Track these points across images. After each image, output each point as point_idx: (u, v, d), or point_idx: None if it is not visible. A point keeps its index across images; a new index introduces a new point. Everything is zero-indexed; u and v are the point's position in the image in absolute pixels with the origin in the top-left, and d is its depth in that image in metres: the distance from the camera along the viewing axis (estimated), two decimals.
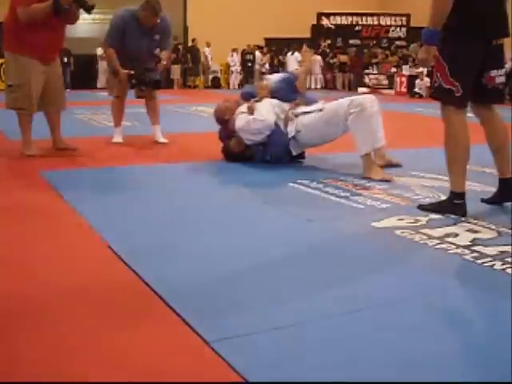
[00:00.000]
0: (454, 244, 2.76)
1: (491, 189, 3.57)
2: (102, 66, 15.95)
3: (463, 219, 3.16)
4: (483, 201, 3.48)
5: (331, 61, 19.64)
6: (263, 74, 17.28)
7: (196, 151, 5.56)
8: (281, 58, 20.09)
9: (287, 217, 3.28)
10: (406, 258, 2.66)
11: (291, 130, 4.62)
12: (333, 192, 3.81)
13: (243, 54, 20.01)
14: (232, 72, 20.13)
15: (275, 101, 4.76)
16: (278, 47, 20.34)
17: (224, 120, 4.95)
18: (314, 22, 21.32)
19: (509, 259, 2.54)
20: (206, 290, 2.23)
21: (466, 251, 2.66)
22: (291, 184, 4.04)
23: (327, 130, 4.52)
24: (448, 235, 2.89)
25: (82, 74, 17.27)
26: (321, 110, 4.58)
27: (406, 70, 17.02)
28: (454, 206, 3.25)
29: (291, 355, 1.73)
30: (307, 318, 1.97)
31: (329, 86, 19.53)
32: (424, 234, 2.92)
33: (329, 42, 20.45)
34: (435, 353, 1.76)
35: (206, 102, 11.67)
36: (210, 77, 20.44)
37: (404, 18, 21.40)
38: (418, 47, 16.34)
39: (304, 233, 3.00)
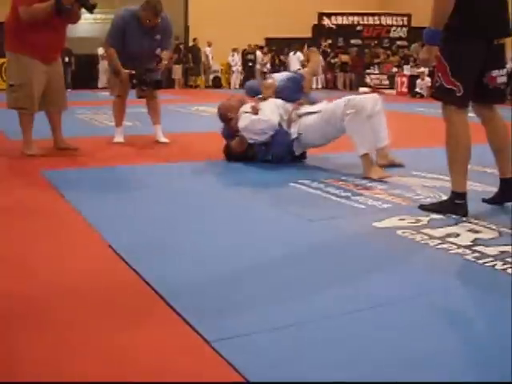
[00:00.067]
0: (455, 244, 2.76)
1: (492, 189, 3.56)
2: (103, 65, 15.94)
3: (464, 219, 3.16)
4: (484, 201, 3.48)
5: (332, 61, 19.64)
6: (264, 73, 17.29)
7: (197, 151, 5.56)
8: (282, 57, 20.10)
9: (288, 217, 3.28)
10: (407, 257, 2.66)
11: (294, 132, 4.62)
12: (334, 192, 3.81)
13: (244, 53, 20.01)
14: (233, 72, 20.14)
15: (279, 101, 4.75)
16: (278, 47, 20.34)
17: (227, 118, 4.94)
18: (315, 22, 21.33)
19: (510, 259, 2.53)
20: (207, 290, 2.23)
21: (467, 251, 2.65)
22: (292, 184, 4.04)
23: (327, 129, 4.51)
24: (449, 235, 2.89)
25: (83, 74, 17.27)
26: (321, 110, 4.58)
27: (407, 70, 17.01)
28: (455, 206, 3.24)
29: (292, 355, 1.73)
30: (308, 318, 1.97)
31: (330, 85, 19.53)
32: (425, 233, 2.92)
33: (330, 41, 20.45)
34: (436, 352, 1.75)
35: (207, 102, 11.67)
36: (211, 76, 20.45)
37: (405, 18, 21.40)
38: (420, 47, 16.32)
39: (305, 233, 3.00)
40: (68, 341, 1.82)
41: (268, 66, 19.84)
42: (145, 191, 3.90)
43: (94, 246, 2.76)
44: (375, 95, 4.87)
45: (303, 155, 4.91)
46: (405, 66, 17.42)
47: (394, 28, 21.57)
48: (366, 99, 4.62)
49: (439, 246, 2.73)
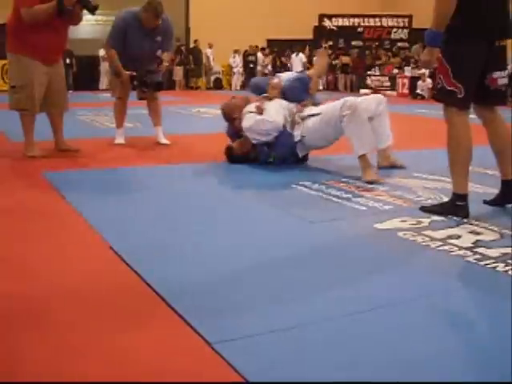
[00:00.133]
0: (456, 246, 2.76)
1: (493, 190, 3.56)
2: (104, 67, 15.96)
3: (465, 221, 3.16)
4: (485, 202, 3.47)
5: (333, 62, 19.64)
6: (265, 75, 17.28)
7: (198, 152, 5.56)
8: (283, 59, 20.11)
9: (289, 218, 3.28)
10: (408, 259, 2.66)
11: (297, 134, 4.62)
12: (335, 193, 3.81)
13: (245, 55, 20.02)
14: (234, 73, 20.15)
15: (284, 102, 4.75)
16: (280, 48, 20.36)
17: (232, 118, 4.94)
18: (316, 24, 21.35)
19: (511, 261, 2.53)
20: (208, 291, 2.23)
21: (469, 253, 2.65)
22: (294, 185, 4.04)
23: (328, 131, 4.51)
24: (450, 237, 2.89)
25: (85, 76, 17.29)
26: (321, 112, 4.57)
27: (408, 72, 17.01)
28: (456, 208, 3.24)
29: (293, 356, 1.73)
30: (309, 320, 1.97)
31: (331, 87, 19.53)
32: (426, 235, 2.91)
33: (331, 43, 20.46)
34: (437, 354, 1.75)
35: (208, 104, 11.68)
36: (212, 78, 20.47)
37: (406, 20, 21.41)
38: (420, 48, 16.36)
39: (306, 234, 3.00)
40: (69, 342, 1.82)
41: (269, 67, 19.85)
42: (146, 193, 3.90)
43: (94, 248, 2.76)
44: (380, 96, 4.87)
45: (305, 157, 4.91)
46: (406, 68, 17.42)
47: (394, 29, 21.58)
48: (367, 100, 4.62)
49: (440, 248, 2.73)
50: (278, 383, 1.60)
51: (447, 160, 3.26)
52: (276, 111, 4.61)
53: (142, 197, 3.79)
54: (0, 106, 6.40)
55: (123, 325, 1.95)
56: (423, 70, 14.44)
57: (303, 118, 4.63)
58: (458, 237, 2.89)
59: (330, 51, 19.95)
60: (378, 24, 21.65)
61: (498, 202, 3.45)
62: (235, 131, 4.88)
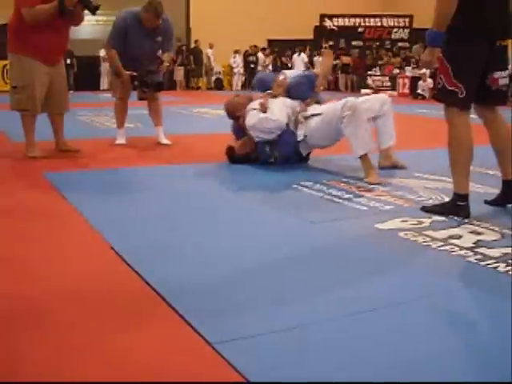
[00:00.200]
0: (457, 246, 2.75)
1: (494, 190, 3.56)
2: (105, 67, 15.97)
3: (466, 221, 3.16)
4: (486, 202, 3.47)
5: (334, 62, 19.63)
6: None
7: (199, 153, 5.56)
8: (283, 59, 20.12)
9: (290, 218, 3.28)
10: (409, 259, 2.66)
11: (300, 134, 4.62)
12: (336, 194, 3.81)
13: (245, 55, 20.02)
14: (235, 73, 20.15)
15: (288, 101, 4.74)
16: (280, 49, 20.36)
17: (235, 116, 4.94)
18: (317, 24, 21.35)
19: None
20: (209, 291, 2.23)
21: (470, 253, 2.65)
22: (294, 186, 4.04)
23: (329, 131, 4.50)
24: (451, 237, 2.89)
25: (85, 76, 17.29)
26: (323, 112, 4.57)
27: (409, 72, 17.01)
28: (457, 208, 3.24)
29: (294, 357, 1.73)
30: (310, 320, 1.97)
31: (331, 87, 19.54)
32: (427, 235, 2.91)
33: (331, 43, 20.46)
34: (438, 354, 1.75)
35: (209, 104, 11.69)
36: (213, 78, 20.47)
37: (407, 19, 21.40)
38: (421, 48, 16.35)
39: (307, 234, 3.00)
40: (69, 342, 1.82)
41: (270, 67, 19.84)
42: (147, 193, 3.90)
43: (95, 248, 2.76)
44: (384, 96, 4.86)
45: (306, 157, 4.91)
46: (406, 68, 17.43)
47: (395, 29, 21.57)
48: (370, 100, 4.62)
49: (441, 248, 2.73)
50: (279, 383, 1.60)
51: (448, 160, 3.26)
52: (279, 110, 4.60)
53: (142, 197, 3.79)
54: (1, 107, 6.41)
55: (124, 325, 1.95)
56: (424, 70, 14.42)
57: (306, 118, 4.62)
58: (459, 237, 2.89)
59: (330, 51, 19.99)
60: (379, 24, 21.64)
61: (498, 202, 3.45)
62: (240, 128, 4.87)
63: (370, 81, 18.50)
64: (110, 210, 3.45)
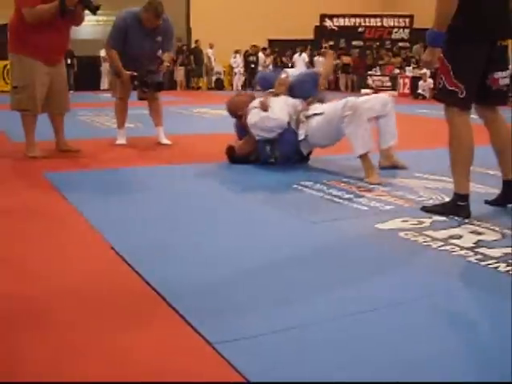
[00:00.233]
0: (457, 246, 2.75)
1: (495, 190, 3.56)
2: (106, 67, 15.95)
3: (467, 221, 3.16)
4: (487, 202, 3.47)
5: (334, 62, 19.63)
6: None
7: (199, 153, 5.56)
8: (284, 59, 20.12)
9: (290, 218, 3.28)
10: (409, 259, 2.66)
11: (301, 133, 4.62)
12: (336, 194, 3.81)
13: (246, 55, 20.01)
14: (235, 73, 20.15)
15: (290, 100, 4.74)
16: (281, 48, 20.36)
17: (237, 114, 4.94)
18: (317, 24, 21.34)
19: None
20: (209, 291, 2.23)
21: (470, 253, 2.65)
22: (295, 186, 4.04)
23: (331, 130, 4.50)
24: (452, 237, 2.89)
25: (86, 76, 17.27)
26: (324, 112, 4.57)
27: (410, 72, 17.01)
28: (457, 208, 3.24)
29: (294, 357, 1.73)
30: (310, 320, 1.97)
31: (331, 87, 19.53)
32: (428, 235, 2.91)
33: (332, 43, 20.45)
34: (438, 354, 1.75)
35: (210, 104, 11.69)
36: (214, 78, 20.46)
37: (407, 19, 21.39)
38: (421, 48, 16.36)
39: (307, 234, 3.00)
40: (69, 342, 1.82)
41: (270, 67, 19.83)
42: (147, 193, 3.90)
43: (96, 248, 2.76)
44: (386, 96, 4.85)
45: (306, 157, 4.90)
46: (407, 68, 17.42)
47: (395, 29, 21.56)
48: (372, 100, 4.61)
49: (442, 248, 2.73)
50: (280, 383, 1.60)
51: (448, 160, 3.26)
52: (281, 108, 4.61)
53: (143, 197, 3.79)
54: (1, 107, 6.42)
55: (124, 325, 1.95)
56: (424, 70, 14.43)
57: (308, 117, 4.62)
58: (460, 237, 2.89)
59: (332, 52, 19.99)
60: (379, 24, 21.63)
61: (499, 202, 3.45)
62: (242, 127, 4.87)
63: (370, 81, 18.50)
64: (110, 210, 3.45)
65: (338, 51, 20.01)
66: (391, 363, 1.70)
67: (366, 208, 3.47)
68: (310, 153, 4.90)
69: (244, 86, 19.26)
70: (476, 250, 2.69)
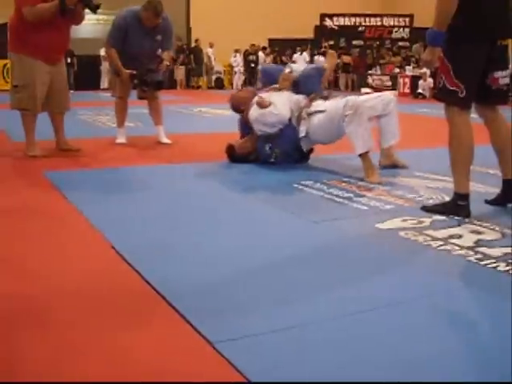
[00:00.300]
0: (457, 245, 2.75)
1: (495, 190, 3.56)
2: (106, 66, 15.94)
3: (467, 220, 3.16)
4: (487, 202, 3.47)
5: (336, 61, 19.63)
6: None
7: (199, 152, 5.56)
8: (284, 58, 20.12)
9: (291, 218, 3.28)
10: (409, 259, 2.66)
11: (303, 130, 4.61)
12: (336, 193, 3.81)
13: (245, 54, 20.00)
14: (235, 73, 20.15)
15: (294, 96, 4.74)
16: (281, 48, 20.36)
17: (240, 109, 4.95)
18: (318, 23, 21.34)
19: None
20: (209, 291, 2.23)
21: (470, 252, 2.65)
22: (295, 185, 4.04)
23: (332, 128, 4.48)
24: (452, 236, 2.89)
25: (86, 75, 17.27)
26: (326, 109, 4.56)
27: (410, 71, 17.01)
28: (457, 208, 3.24)
29: (294, 356, 1.73)
30: (310, 319, 1.97)
31: (332, 86, 19.53)
32: (428, 235, 2.91)
33: (332, 42, 20.45)
34: (438, 354, 1.75)
35: (210, 103, 11.69)
36: (214, 77, 20.46)
37: (407, 19, 21.41)
38: (421, 47, 16.36)
39: (308, 234, 3.00)
40: (70, 341, 1.82)
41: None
42: (147, 192, 3.90)
43: (96, 247, 2.76)
44: (390, 95, 4.84)
45: (306, 156, 4.90)
46: (407, 67, 17.42)
47: (395, 29, 21.57)
48: (374, 99, 4.61)
49: (442, 248, 2.73)
50: (280, 383, 1.60)
51: (449, 159, 3.25)
52: (283, 104, 4.61)
53: (143, 196, 3.79)
54: (1, 106, 6.42)
55: (124, 324, 1.95)
56: (424, 70, 14.42)
57: (309, 114, 4.62)
58: (460, 236, 2.89)
59: (334, 52, 19.97)
60: (379, 23, 21.64)
61: (499, 201, 3.45)
62: (245, 123, 4.87)
63: (370, 80, 18.50)
64: (110, 209, 3.45)
65: (338, 50, 20.00)
66: (391, 363, 1.70)
67: (366, 207, 3.47)
68: (310, 152, 4.90)
69: (244, 85, 19.24)
70: (476, 249, 2.69)
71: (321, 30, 21.32)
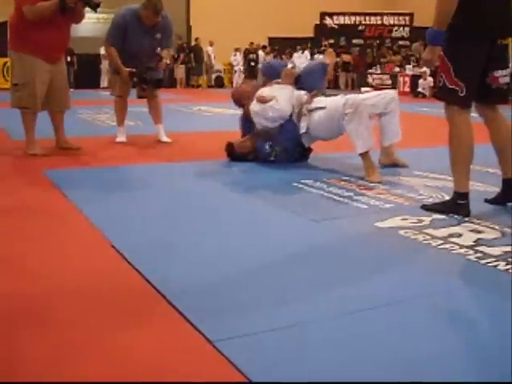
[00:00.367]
0: (457, 244, 2.75)
1: (495, 189, 3.56)
2: (106, 65, 15.95)
3: (467, 219, 3.16)
4: (487, 201, 3.47)
5: (334, 60, 19.62)
6: None
7: (199, 151, 5.56)
8: (284, 57, 20.10)
9: (291, 217, 3.28)
10: (409, 258, 2.66)
11: (303, 126, 4.61)
12: (336, 192, 3.81)
13: (246, 53, 20.00)
14: (235, 71, 20.14)
15: (296, 92, 4.75)
16: (281, 46, 20.36)
17: (241, 103, 4.95)
18: (318, 22, 21.34)
19: None
20: (209, 290, 2.23)
21: (470, 251, 2.65)
22: (295, 184, 4.04)
23: (332, 125, 4.48)
24: (451, 235, 2.89)
25: (86, 74, 17.27)
26: (326, 106, 4.56)
27: (410, 70, 17.00)
28: (457, 206, 3.24)
29: (294, 355, 1.73)
30: (310, 318, 1.97)
31: (332, 85, 19.51)
32: (427, 234, 2.91)
33: (332, 41, 20.45)
34: (438, 353, 1.75)
35: (210, 102, 11.68)
36: (214, 76, 20.45)
37: (407, 18, 21.41)
38: (421, 46, 16.35)
39: (307, 233, 3.00)
40: (70, 340, 1.82)
41: None
42: (147, 191, 3.90)
43: (96, 246, 2.76)
44: (392, 93, 4.83)
45: (306, 155, 4.90)
46: (407, 66, 17.41)
47: (396, 28, 21.57)
48: (376, 97, 4.60)
49: (441, 246, 2.73)
50: (280, 383, 1.60)
51: (448, 158, 3.25)
52: (285, 99, 4.62)
53: (143, 195, 3.79)
54: (1, 104, 6.41)
55: (124, 323, 1.95)
56: (424, 69, 14.42)
57: (310, 110, 4.62)
58: (459, 235, 2.89)
59: (332, 51, 19.97)
60: (379, 22, 21.64)
61: (499, 200, 3.45)
62: (246, 118, 4.87)
63: (370, 79, 18.49)
64: (110, 208, 3.45)
65: (338, 49, 20.01)
66: (391, 361, 1.70)
67: (365, 206, 3.47)
68: (309, 151, 4.90)
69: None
70: (476, 248, 2.70)
71: (321, 29, 21.32)
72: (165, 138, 6.01)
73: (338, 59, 19.45)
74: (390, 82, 17.58)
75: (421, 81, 15.23)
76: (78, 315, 2.01)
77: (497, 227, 3.01)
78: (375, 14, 21.60)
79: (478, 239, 2.83)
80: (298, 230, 3.04)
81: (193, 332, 1.86)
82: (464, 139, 3.19)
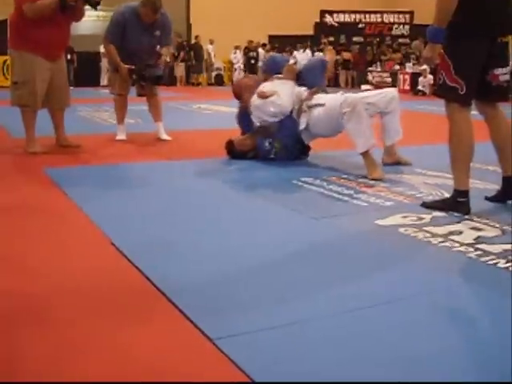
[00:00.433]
0: (457, 242, 2.75)
1: (495, 187, 3.56)
2: (105, 63, 15.93)
3: (467, 217, 3.15)
4: (487, 199, 3.47)
5: (334, 58, 19.61)
6: None
7: (199, 149, 5.56)
8: (284, 55, 20.08)
9: (291, 215, 3.28)
10: (409, 255, 2.65)
11: (303, 122, 4.61)
12: (336, 190, 3.81)
13: (246, 51, 19.98)
14: (235, 69, 20.13)
15: (297, 88, 4.75)
16: (281, 44, 20.34)
17: (242, 97, 4.95)
18: (318, 20, 21.32)
19: None
20: (209, 288, 2.22)
21: (470, 249, 2.65)
22: (295, 182, 4.04)
23: (332, 122, 4.47)
24: (452, 233, 2.89)
25: (86, 72, 17.25)
26: (325, 103, 4.55)
27: (410, 68, 16.98)
28: (457, 204, 3.24)
29: (294, 353, 1.73)
30: (310, 316, 1.97)
31: (331, 83, 19.51)
32: (428, 231, 2.91)
33: (332, 39, 20.43)
34: (438, 351, 1.75)
35: (209, 100, 11.68)
36: (214, 74, 20.44)
37: (407, 16, 21.38)
38: (421, 44, 16.34)
39: (308, 231, 3.00)
40: (69, 339, 1.82)
41: None
42: (147, 189, 3.90)
43: (96, 244, 2.76)
44: (393, 91, 4.82)
45: (306, 153, 4.89)
46: (407, 64, 17.40)
47: (396, 25, 21.55)
48: (377, 95, 4.60)
49: (442, 244, 2.73)
50: (280, 383, 1.60)
51: (448, 156, 3.25)
52: (286, 95, 4.61)
53: (143, 193, 3.79)
54: (1, 102, 6.41)
55: (124, 321, 1.95)
56: (424, 66, 14.41)
57: (310, 107, 4.61)
58: (460, 233, 2.89)
59: (332, 48, 19.98)
60: (379, 20, 21.63)
61: (499, 198, 3.45)
62: (244, 112, 4.86)
63: (370, 77, 18.48)
64: (110, 206, 3.45)
65: (338, 47, 20.01)
66: (391, 359, 1.70)
67: (366, 204, 3.47)
68: (308, 149, 4.89)
69: None
70: (476, 245, 2.69)
71: (321, 27, 21.30)
72: (165, 136, 6.00)
73: (338, 57, 19.48)
74: (390, 79, 17.57)
75: (421, 78, 15.22)
76: (77, 313, 2.00)
77: (497, 225, 3.01)
78: (375, 12, 21.59)
79: (479, 237, 2.83)
80: (298, 228, 3.03)
81: (193, 330, 1.86)
82: (464, 137, 3.19)
